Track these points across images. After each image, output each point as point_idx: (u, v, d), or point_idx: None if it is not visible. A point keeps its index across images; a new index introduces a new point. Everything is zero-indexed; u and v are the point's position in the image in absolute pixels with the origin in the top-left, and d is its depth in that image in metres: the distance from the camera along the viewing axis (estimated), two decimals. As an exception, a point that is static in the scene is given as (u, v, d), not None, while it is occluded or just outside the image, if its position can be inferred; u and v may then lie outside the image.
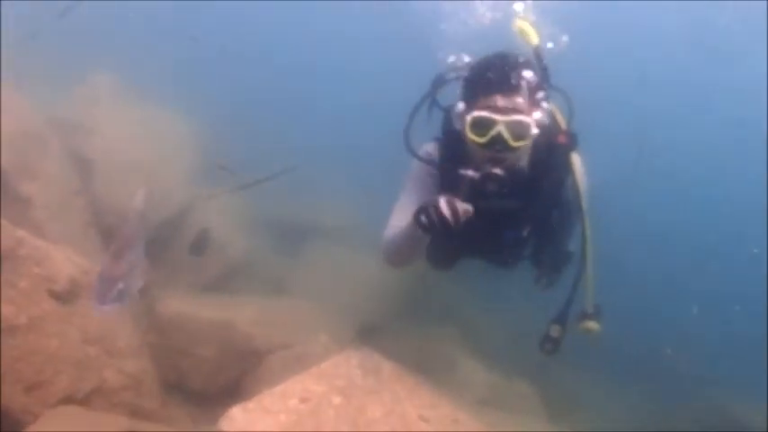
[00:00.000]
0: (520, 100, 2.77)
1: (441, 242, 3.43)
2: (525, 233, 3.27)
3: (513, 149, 2.80)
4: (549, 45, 3.34)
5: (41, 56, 6.17)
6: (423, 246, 3.12)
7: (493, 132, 2.75)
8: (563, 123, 3.16)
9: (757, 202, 10.46)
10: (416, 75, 3.30)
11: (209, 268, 5.11)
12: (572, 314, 3.28)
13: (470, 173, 2.80)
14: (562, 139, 3.08)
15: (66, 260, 3.29)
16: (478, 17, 3.97)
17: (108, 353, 3.28)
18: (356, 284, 5.26)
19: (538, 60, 3.02)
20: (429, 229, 2.62)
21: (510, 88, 2.76)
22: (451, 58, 3.30)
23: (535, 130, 2.80)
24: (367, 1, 11.55)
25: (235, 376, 4.04)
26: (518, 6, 3.65)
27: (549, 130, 3.05)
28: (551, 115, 3.12)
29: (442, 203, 2.56)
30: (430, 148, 3.17)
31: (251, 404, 2.39)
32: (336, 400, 2.51)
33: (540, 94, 2.86)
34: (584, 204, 3.16)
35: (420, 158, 3.10)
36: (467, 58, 3.22)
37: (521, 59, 2.86)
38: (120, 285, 2.44)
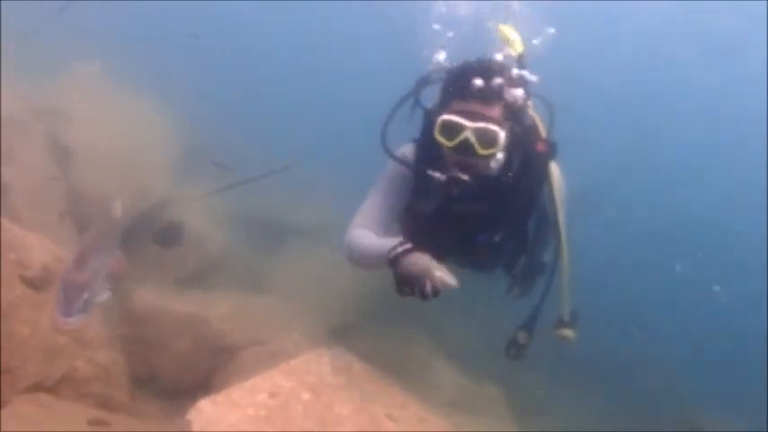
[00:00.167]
0: (493, 108, 2.78)
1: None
2: (498, 238, 3.27)
3: (481, 156, 2.81)
4: (535, 41, 3.33)
5: (26, 44, 6.12)
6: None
7: (461, 137, 2.77)
8: (543, 131, 3.17)
9: (753, 203, 10.67)
10: (404, 75, 3.28)
11: (185, 262, 5.11)
12: (540, 322, 3.31)
13: (437, 175, 2.85)
14: (541, 147, 3.09)
15: (40, 247, 3.29)
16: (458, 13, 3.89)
17: (78, 342, 3.27)
18: (332, 285, 5.27)
19: (520, 68, 3.00)
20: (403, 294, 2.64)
21: (484, 95, 2.77)
22: (436, 57, 3.27)
23: (503, 141, 2.80)
24: (359, 0, 11.58)
25: (206, 372, 4.03)
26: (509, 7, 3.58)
27: (528, 137, 3.08)
28: (532, 123, 3.14)
29: (428, 285, 2.50)
30: (407, 150, 3.16)
31: (219, 397, 2.41)
32: (305, 396, 2.54)
33: (518, 104, 2.88)
34: (560, 213, 3.17)
35: (395, 159, 3.10)
36: (442, 56, 3.21)
37: (501, 67, 2.87)
38: (86, 295, 2.37)
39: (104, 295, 2.53)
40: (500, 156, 2.92)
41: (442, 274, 2.57)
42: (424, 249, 3.48)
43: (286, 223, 6.32)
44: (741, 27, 11.14)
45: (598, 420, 5.89)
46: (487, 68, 2.84)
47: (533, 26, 3.40)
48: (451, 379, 4.89)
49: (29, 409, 2.86)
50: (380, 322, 5.06)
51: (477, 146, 2.77)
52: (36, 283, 3.19)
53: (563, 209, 3.21)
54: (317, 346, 3.24)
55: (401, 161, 3.09)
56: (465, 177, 2.82)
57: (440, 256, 3.57)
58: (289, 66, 12.64)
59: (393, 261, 2.64)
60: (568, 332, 3.34)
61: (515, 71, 2.94)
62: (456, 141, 2.78)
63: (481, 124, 2.75)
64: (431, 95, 3.14)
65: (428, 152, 3.04)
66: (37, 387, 3.04)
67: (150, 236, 4.87)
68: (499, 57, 3.03)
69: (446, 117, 2.79)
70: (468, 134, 2.76)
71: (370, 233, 3.08)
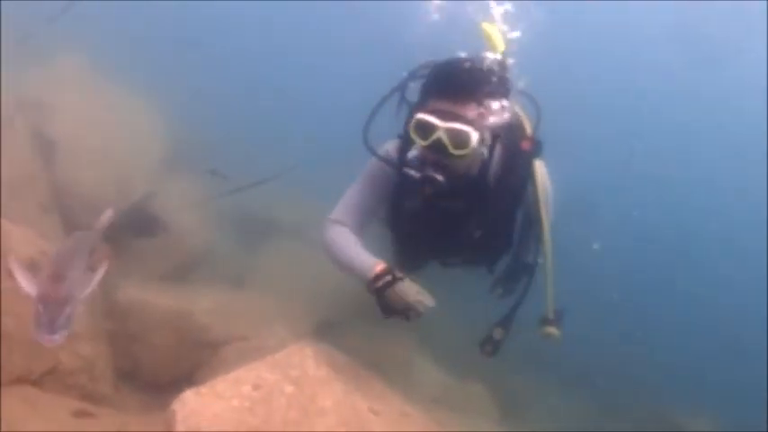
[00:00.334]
0: (469, 108, 2.76)
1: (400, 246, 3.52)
2: (477, 234, 3.25)
3: (454, 157, 2.80)
4: (515, 34, 3.23)
5: (11, 35, 6.08)
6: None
7: (434, 137, 2.75)
8: (529, 129, 3.15)
9: (750, 208, 10.80)
10: (389, 74, 3.25)
11: (168, 258, 5.10)
12: (519, 319, 3.32)
13: (413, 173, 2.86)
14: (526, 145, 3.07)
15: (25, 240, 3.29)
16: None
17: (63, 335, 3.27)
18: (317, 282, 5.27)
19: (501, 68, 2.97)
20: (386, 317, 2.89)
21: (461, 95, 2.76)
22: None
23: (476, 142, 2.77)
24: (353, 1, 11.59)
25: (189, 366, 4.03)
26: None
27: (513, 135, 3.07)
28: (517, 121, 3.14)
29: (413, 313, 2.81)
30: (391, 146, 3.14)
31: (204, 389, 2.43)
32: (289, 388, 2.56)
33: (497, 105, 2.86)
34: (544, 211, 3.15)
35: (376, 156, 3.09)
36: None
37: (482, 67, 2.85)
38: (68, 310, 2.28)
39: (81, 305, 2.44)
40: (483, 152, 2.93)
41: (423, 298, 2.81)
42: (407, 254, 3.55)
43: (271, 220, 6.33)
44: (736, 31, 11.28)
45: (580, 418, 5.97)
46: (464, 67, 2.83)
47: (520, 26, 3.36)
48: (435, 376, 4.95)
49: (12, 401, 2.87)
50: (365, 320, 5.09)
51: (449, 146, 2.76)
52: (19, 276, 3.18)
53: (547, 207, 3.20)
54: (301, 341, 3.26)
55: (382, 158, 3.08)
56: (439, 177, 2.82)
57: (423, 255, 3.63)
58: (280, 65, 12.62)
59: (376, 292, 2.85)
60: (553, 330, 3.34)
61: (496, 69, 2.92)
62: (429, 141, 2.78)
63: (454, 125, 2.74)
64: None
65: (410, 149, 3.02)
66: (21, 380, 3.04)
67: (125, 226, 4.79)
68: (480, 55, 2.98)
69: (420, 116, 2.78)
70: (440, 134, 2.74)
71: (350, 236, 3.11)
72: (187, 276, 5.11)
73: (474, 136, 2.76)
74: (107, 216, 3.20)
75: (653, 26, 12.19)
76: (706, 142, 12.81)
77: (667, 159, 11.70)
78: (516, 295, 3.41)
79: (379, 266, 2.90)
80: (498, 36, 3.07)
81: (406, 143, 3.03)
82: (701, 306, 9.12)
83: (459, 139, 2.75)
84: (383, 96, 3.12)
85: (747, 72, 12.27)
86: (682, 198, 11.58)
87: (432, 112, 2.77)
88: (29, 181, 4.57)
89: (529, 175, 3.11)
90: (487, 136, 2.90)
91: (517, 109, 3.21)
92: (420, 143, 2.82)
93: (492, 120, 2.86)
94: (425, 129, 2.78)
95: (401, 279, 2.86)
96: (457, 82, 2.78)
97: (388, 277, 2.84)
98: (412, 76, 3.10)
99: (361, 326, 4.97)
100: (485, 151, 2.96)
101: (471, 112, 2.77)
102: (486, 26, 3.11)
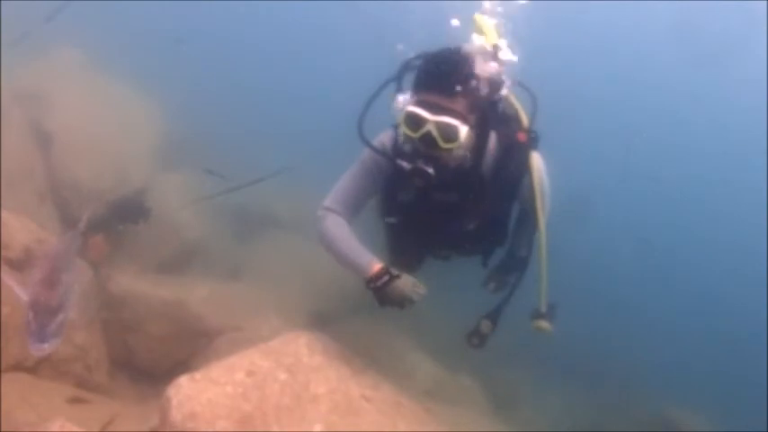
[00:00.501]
0: (456, 101, 2.76)
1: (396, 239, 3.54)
2: (472, 227, 3.25)
3: (444, 150, 2.80)
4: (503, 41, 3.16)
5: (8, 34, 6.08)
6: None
7: (423, 130, 2.76)
8: (525, 121, 3.13)
9: (751, 206, 10.83)
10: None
11: (163, 249, 5.13)
12: (508, 313, 3.28)
13: (404, 164, 2.87)
14: (522, 137, 3.06)
15: (21, 228, 3.32)
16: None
17: (59, 323, 3.29)
18: (312, 275, 5.30)
19: (493, 58, 2.95)
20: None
21: (450, 88, 2.75)
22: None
23: (465, 135, 2.78)
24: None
25: (184, 356, 4.07)
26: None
27: (509, 127, 3.07)
28: (514, 113, 3.13)
29: (408, 302, 2.94)
30: (386, 136, 3.13)
31: (198, 374, 2.45)
32: (282, 375, 2.59)
33: (489, 95, 2.86)
34: (539, 204, 3.10)
35: (371, 147, 3.08)
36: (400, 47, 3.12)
37: (472, 59, 2.84)
38: (60, 317, 2.22)
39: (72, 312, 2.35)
40: (466, 149, 2.91)
41: (417, 288, 2.97)
42: (402, 246, 3.58)
43: (266, 213, 6.35)
44: (737, 29, 11.29)
45: (575, 415, 6.01)
46: (457, 59, 2.82)
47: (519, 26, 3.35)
48: (427, 369, 4.97)
49: (8, 388, 2.89)
50: (358, 313, 5.12)
51: (439, 139, 2.77)
52: (17, 265, 3.21)
53: (543, 200, 3.15)
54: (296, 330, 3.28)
55: (375, 150, 3.08)
56: (429, 170, 2.82)
57: (417, 247, 3.64)
58: (279, 62, 12.61)
59: (374, 291, 2.96)
60: (545, 324, 3.29)
61: (487, 62, 2.91)
62: (419, 134, 2.79)
63: (443, 118, 2.74)
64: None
65: (402, 140, 2.99)
66: (17, 367, 3.08)
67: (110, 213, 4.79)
68: (471, 47, 2.96)
69: (410, 109, 2.78)
70: (430, 127, 2.75)
71: (345, 227, 3.13)
72: (182, 268, 5.13)
73: (462, 129, 2.77)
74: (87, 214, 3.15)
75: (653, 24, 12.20)
76: (706, 141, 12.84)
77: (666, 158, 11.73)
78: (507, 289, 3.38)
79: (376, 266, 2.97)
80: (491, 27, 3.07)
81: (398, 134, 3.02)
82: (701, 305, 9.15)
83: (449, 133, 2.76)
84: (379, 86, 3.10)
85: (748, 70, 12.29)
86: (681, 196, 11.61)
87: (420, 105, 2.77)
88: (26, 172, 4.60)
89: (525, 167, 3.08)
90: (477, 126, 2.87)
91: (514, 101, 3.20)
92: (411, 135, 2.82)
93: (488, 110, 2.87)
94: (416, 121, 2.78)
95: (398, 276, 2.95)
96: (446, 75, 2.77)
97: (386, 277, 2.94)
98: (406, 66, 3.07)
99: (355, 319, 5.00)
100: (472, 141, 2.92)
101: (459, 104, 2.77)
102: (478, 17, 3.11)
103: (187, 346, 4.07)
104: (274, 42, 13.16)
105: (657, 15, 12.01)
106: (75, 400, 3.00)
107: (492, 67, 2.93)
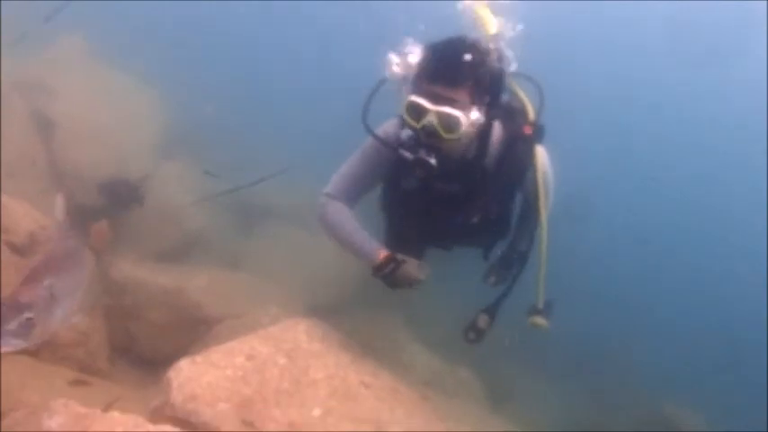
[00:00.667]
0: (458, 91, 2.76)
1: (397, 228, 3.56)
2: (476, 219, 3.25)
3: (446, 140, 2.81)
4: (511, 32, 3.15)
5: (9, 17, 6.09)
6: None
7: (425, 120, 2.78)
8: (532, 114, 3.10)
9: (751, 206, 10.83)
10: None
11: (165, 238, 5.16)
12: (506, 308, 3.29)
13: (407, 154, 2.88)
14: (527, 130, 3.04)
15: (25, 215, 3.35)
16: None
17: (61, 308, 3.32)
18: (311, 265, 5.34)
19: (496, 50, 2.94)
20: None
21: (453, 79, 2.76)
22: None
23: (466, 126, 2.78)
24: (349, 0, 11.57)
25: (184, 343, 4.07)
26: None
27: (514, 119, 3.07)
28: (520, 106, 3.12)
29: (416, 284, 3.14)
30: (390, 125, 3.14)
31: (199, 358, 2.49)
32: (282, 360, 2.63)
33: (492, 86, 2.86)
34: (542, 198, 3.09)
35: (374, 136, 3.08)
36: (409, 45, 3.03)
37: (476, 50, 2.82)
38: (27, 315, 2.01)
39: (63, 317, 2.19)
40: (468, 140, 2.92)
41: (423, 272, 3.16)
42: (404, 236, 3.53)
43: (266, 205, 6.37)
44: (735, 29, 11.29)
45: (568, 407, 6.03)
46: (456, 49, 2.81)
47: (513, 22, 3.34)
48: (425, 361, 4.99)
49: (11, 371, 2.92)
50: (357, 304, 5.15)
51: (440, 130, 2.77)
52: (21, 250, 3.25)
53: (546, 194, 3.15)
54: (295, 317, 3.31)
55: (379, 139, 3.08)
56: (431, 160, 2.83)
57: (421, 238, 3.64)
58: (281, 59, 12.60)
59: (382, 278, 3.10)
60: (541, 320, 3.29)
61: (490, 52, 2.91)
62: (421, 124, 2.80)
63: (444, 108, 2.74)
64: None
65: (406, 129, 2.98)
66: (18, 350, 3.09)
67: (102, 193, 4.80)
68: (473, 37, 2.95)
69: (413, 98, 2.79)
70: (431, 118, 2.76)
71: (348, 214, 3.18)
72: (183, 257, 5.16)
73: (463, 120, 2.77)
74: (60, 206, 2.93)
75: (650, 24, 12.20)
76: (705, 141, 12.84)
77: (666, 158, 11.74)
78: (506, 283, 3.38)
79: (382, 254, 3.08)
80: (491, 18, 3.07)
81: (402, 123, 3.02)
82: (701, 305, 9.16)
83: (450, 123, 2.77)
84: (380, 78, 3.07)
85: (747, 71, 12.29)
86: (680, 196, 11.62)
87: (423, 95, 2.78)
88: (28, 160, 4.62)
89: (529, 160, 3.07)
90: (479, 116, 2.86)
91: (520, 93, 3.19)
92: (413, 125, 2.84)
93: (492, 102, 2.87)
94: (417, 111, 2.79)
95: (403, 261, 3.08)
96: (449, 65, 2.78)
97: (392, 264, 3.07)
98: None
99: (354, 309, 5.03)
100: (475, 132, 2.93)
101: (462, 94, 2.77)
102: (478, 8, 3.12)
103: (187, 334, 4.08)
104: (279, 37, 13.15)
105: (654, 14, 12.00)
106: (78, 383, 3.03)
107: (495, 56, 2.93)
